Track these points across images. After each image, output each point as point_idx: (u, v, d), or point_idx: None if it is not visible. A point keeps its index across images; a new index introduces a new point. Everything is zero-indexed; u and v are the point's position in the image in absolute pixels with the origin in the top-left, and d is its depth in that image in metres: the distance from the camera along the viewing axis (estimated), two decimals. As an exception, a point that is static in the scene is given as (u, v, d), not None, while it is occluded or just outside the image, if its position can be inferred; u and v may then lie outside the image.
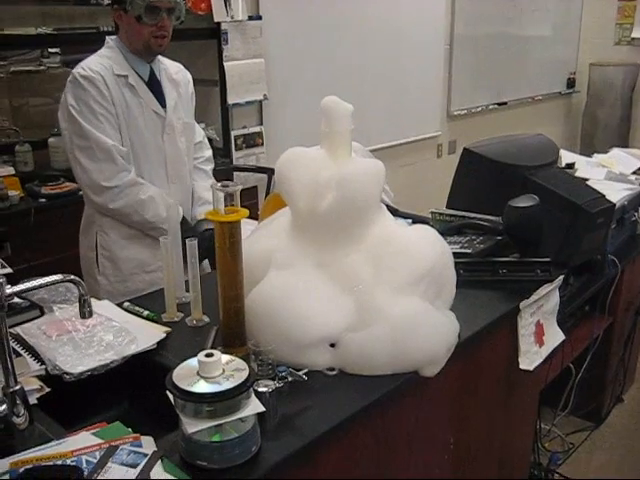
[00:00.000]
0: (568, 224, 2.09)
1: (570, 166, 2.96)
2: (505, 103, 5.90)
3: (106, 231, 2.23)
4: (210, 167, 2.51)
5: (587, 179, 2.68)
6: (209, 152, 2.53)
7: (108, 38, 2.22)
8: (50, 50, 3.56)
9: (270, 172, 3.41)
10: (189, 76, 2.40)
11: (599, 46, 6.73)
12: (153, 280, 2.23)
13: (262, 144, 3.93)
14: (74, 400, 1.48)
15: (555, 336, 2.06)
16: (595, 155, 3.30)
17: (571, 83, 6.83)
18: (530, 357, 1.94)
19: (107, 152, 2.09)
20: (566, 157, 3.04)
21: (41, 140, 3.29)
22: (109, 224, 2.23)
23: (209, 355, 1.18)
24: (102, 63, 2.14)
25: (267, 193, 3.37)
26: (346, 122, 1.59)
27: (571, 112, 7.03)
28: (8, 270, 1.42)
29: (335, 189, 1.53)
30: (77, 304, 1.38)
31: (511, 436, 2.15)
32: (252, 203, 3.53)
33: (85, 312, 1.34)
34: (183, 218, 2.21)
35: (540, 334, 1.99)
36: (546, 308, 2.01)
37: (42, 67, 3.56)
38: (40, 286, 1.27)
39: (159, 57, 2.27)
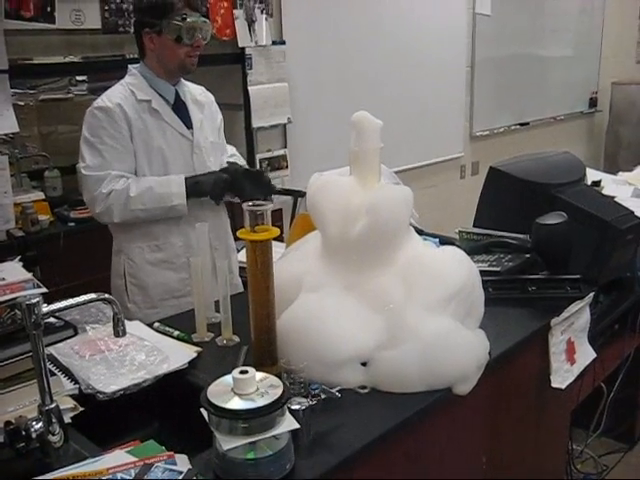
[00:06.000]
0: (597, 241, 2.08)
1: (596, 184, 2.94)
2: (527, 123, 5.89)
3: (132, 258, 2.25)
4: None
5: (614, 197, 2.66)
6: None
7: (130, 66, 2.25)
8: (78, 78, 3.64)
9: (295, 194, 3.42)
10: (211, 97, 2.43)
11: (620, 65, 6.72)
12: (182, 305, 2.22)
13: (287, 167, 3.96)
14: (106, 419, 1.49)
15: (586, 354, 2.04)
16: (620, 173, 3.29)
17: (593, 102, 6.80)
18: (562, 375, 1.91)
19: (96, 182, 2.11)
20: (592, 175, 3.02)
21: (69, 166, 3.33)
22: (135, 251, 2.24)
23: (243, 372, 1.18)
24: (123, 92, 2.17)
25: (292, 215, 3.38)
26: (376, 139, 1.61)
27: (594, 131, 6.99)
28: (43, 290, 1.43)
29: (366, 216, 1.55)
30: (109, 324, 1.39)
31: (543, 456, 2.12)
32: (277, 225, 3.52)
33: (119, 331, 1.36)
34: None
35: (571, 352, 1.97)
36: (577, 325, 1.99)
37: (70, 95, 3.64)
38: (76, 304, 1.29)
39: (182, 80, 2.30)
